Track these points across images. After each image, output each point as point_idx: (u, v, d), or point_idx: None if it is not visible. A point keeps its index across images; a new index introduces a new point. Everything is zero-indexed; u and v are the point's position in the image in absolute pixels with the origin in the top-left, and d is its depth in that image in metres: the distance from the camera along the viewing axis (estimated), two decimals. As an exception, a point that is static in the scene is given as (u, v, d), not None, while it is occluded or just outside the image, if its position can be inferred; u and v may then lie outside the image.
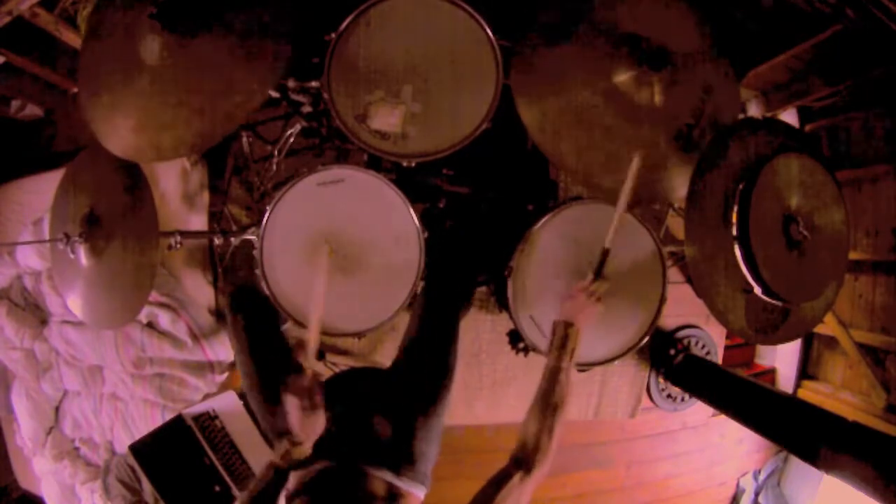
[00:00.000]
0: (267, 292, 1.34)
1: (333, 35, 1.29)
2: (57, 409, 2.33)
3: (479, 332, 2.20)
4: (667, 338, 2.38)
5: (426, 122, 1.33)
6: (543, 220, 1.37)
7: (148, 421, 2.15)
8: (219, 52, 1.19)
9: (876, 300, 2.28)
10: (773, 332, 1.36)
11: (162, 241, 1.41)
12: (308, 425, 0.94)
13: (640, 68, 1.26)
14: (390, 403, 1.18)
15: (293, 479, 0.99)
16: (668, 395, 2.45)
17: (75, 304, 1.49)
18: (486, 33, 1.31)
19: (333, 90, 1.31)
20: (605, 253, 1.13)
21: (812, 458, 1.60)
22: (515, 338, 1.55)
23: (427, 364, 1.32)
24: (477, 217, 1.80)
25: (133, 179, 1.37)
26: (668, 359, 2.36)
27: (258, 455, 2.03)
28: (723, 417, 2.25)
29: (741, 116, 2.12)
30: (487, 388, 2.28)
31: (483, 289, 1.93)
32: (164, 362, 2.12)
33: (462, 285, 1.65)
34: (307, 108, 1.60)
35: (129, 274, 1.36)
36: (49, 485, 2.31)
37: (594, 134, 1.31)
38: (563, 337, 1.07)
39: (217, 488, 1.97)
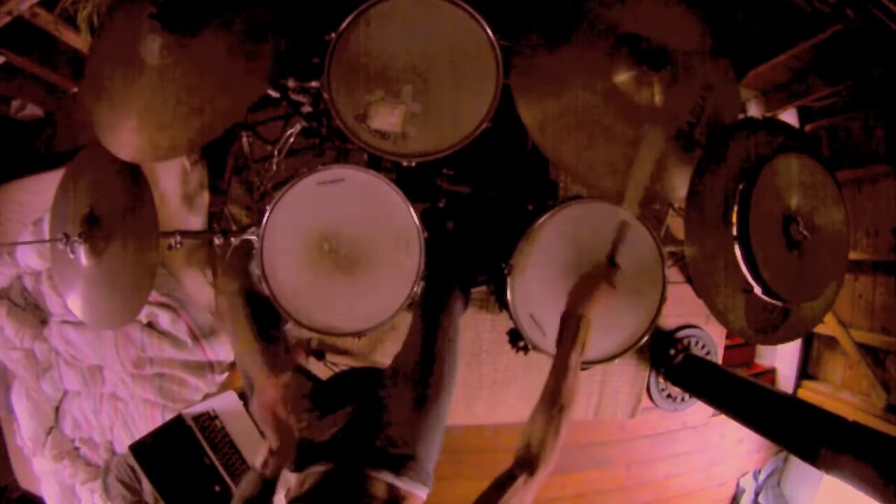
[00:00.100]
0: (267, 292, 1.34)
1: (333, 35, 1.29)
2: (57, 409, 2.33)
3: (479, 331, 2.20)
4: (667, 338, 2.38)
5: (426, 122, 1.32)
6: (543, 218, 1.37)
7: (148, 421, 2.15)
8: (218, 51, 1.19)
9: (876, 300, 2.28)
10: (773, 332, 1.36)
11: (162, 241, 1.41)
12: (281, 434, 0.95)
13: (640, 68, 1.26)
14: (390, 403, 1.18)
15: (294, 481, 0.99)
16: (668, 395, 2.45)
17: (75, 304, 1.49)
18: (486, 33, 1.31)
19: (333, 90, 1.31)
20: (621, 235, 1.13)
21: (812, 458, 1.60)
22: (515, 336, 1.55)
23: (428, 364, 1.32)
24: (477, 217, 1.80)
25: (133, 179, 1.37)
26: (668, 359, 2.36)
27: (258, 455, 2.03)
28: (723, 417, 2.25)
29: (741, 116, 2.12)
30: (487, 388, 2.28)
31: (483, 288, 1.93)
32: (164, 362, 2.12)
33: (462, 285, 1.65)
34: (307, 108, 1.61)
35: (129, 274, 1.36)
36: (49, 485, 2.31)
37: (594, 134, 1.31)
38: (576, 329, 1.04)
39: (217, 488, 1.97)
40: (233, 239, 1.68)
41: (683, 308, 2.32)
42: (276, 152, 1.78)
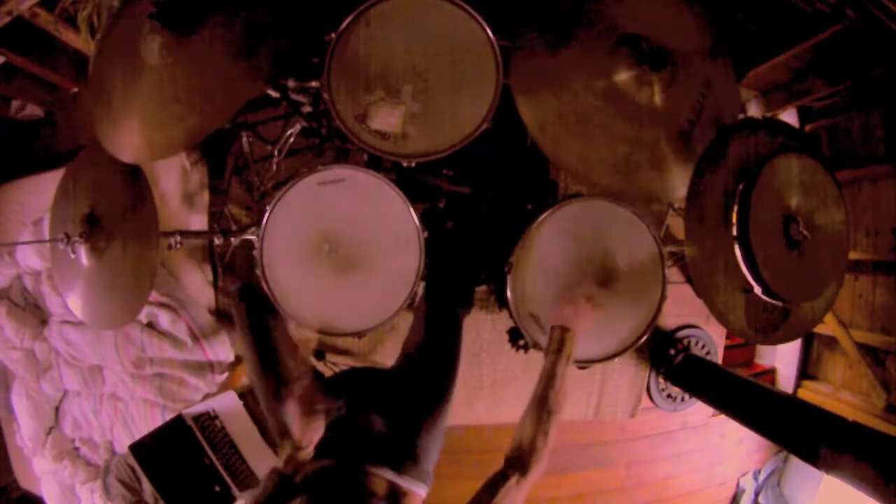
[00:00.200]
0: (267, 292, 1.34)
1: (333, 35, 1.29)
2: (57, 409, 2.33)
3: (479, 331, 2.20)
4: (667, 338, 2.38)
5: (426, 122, 1.33)
6: (543, 216, 1.37)
7: (148, 421, 2.15)
8: (217, 50, 1.19)
9: (876, 300, 2.28)
10: (773, 332, 1.36)
11: (162, 241, 1.41)
12: (309, 430, 0.96)
13: (640, 68, 1.27)
14: (391, 403, 1.18)
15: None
16: (668, 395, 2.45)
17: (75, 304, 1.49)
18: (486, 33, 1.31)
19: (333, 90, 1.31)
20: (610, 266, 1.14)
21: (812, 458, 1.60)
22: (515, 335, 1.55)
23: (428, 364, 1.32)
24: (477, 217, 1.80)
25: (133, 179, 1.37)
26: (668, 359, 2.36)
27: (258, 455, 2.03)
28: (723, 417, 2.25)
29: (741, 116, 2.12)
30: (487, 388, 2.28)
31: (483, 287, 1.93)
32: (164, 362, 2.12)
33: (462, 285, 1.65)
34: (307, 108, 1.61)
35: (129, 274, 1.36)
36: (49, 485, 2.31)
37: (594, 134, 1.31)
38: (560, 341, 1.09)
39: (217, 488, 1.97)
40: (233, 239, 1.68)
41: (683, 308, 2.32)
42: (276, 152, 1.78)
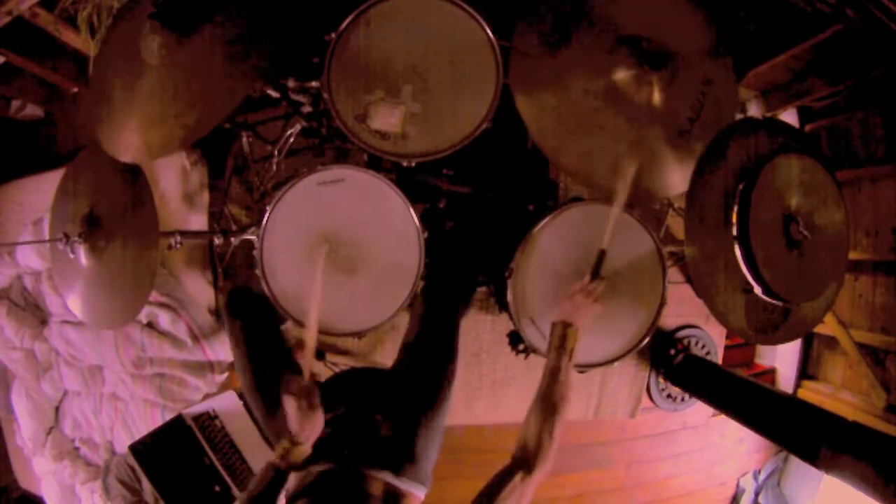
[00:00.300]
0: (267, 292, 1.34)
1: (333, 35, 1.29)
2: (57, 409, 2.33)
3: (479, 332, 2.20)
4: (667, 338, 2.38)
5: (426, 122, 1.32)
6: (543, 221, 1.37)
7: (148, 421, 2.15)
8: (216, 49, 1.19)
9: (876, 300, 2.28)
10: (773, 332, 1.36)
11: (162, 241, 1.41)
12: (307, 426, 0.95)
13: (640, 68, 1.27)
14: (391, 404, 1.18)
15: (293, 480, 0.99)
16: (668, 395, 2.45)
17: (75, 304, 1.49)
18: (486, 33, 1.31)
19: (333, 90, 1.31)
20: (602, 254, 1.13)
21: (812, 458, 1.60)
22: (515, 339, 1.55)
23: (427, 364, 1.32)
24: (477, 217, 1.80)
25: (133, 179, 1.37)
26: (668, 359, 2.36)
27: (258, 455, 2.03)
28: (723, 417, 2.25)
29: (741, 116, 2.12)
30: (487, 388, 2.28)
31: (483, 289, 1.93)
32: (164, 362, 2.12)
33: (462, 285, 1.65)
34: (307, 108, 1.61)
35: (129, 274, 1.36)
36: (49, 485, 2.31)
37: (594, 134, 1.31)
38: (562, 337, 1.07)
39: (217, 488, 1.97)
40: (233, 239, 1.68)
41: (683, 308, 2.32)
42: (276, 152, 1.78)
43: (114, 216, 1.37)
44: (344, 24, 1.29)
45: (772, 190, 1.25)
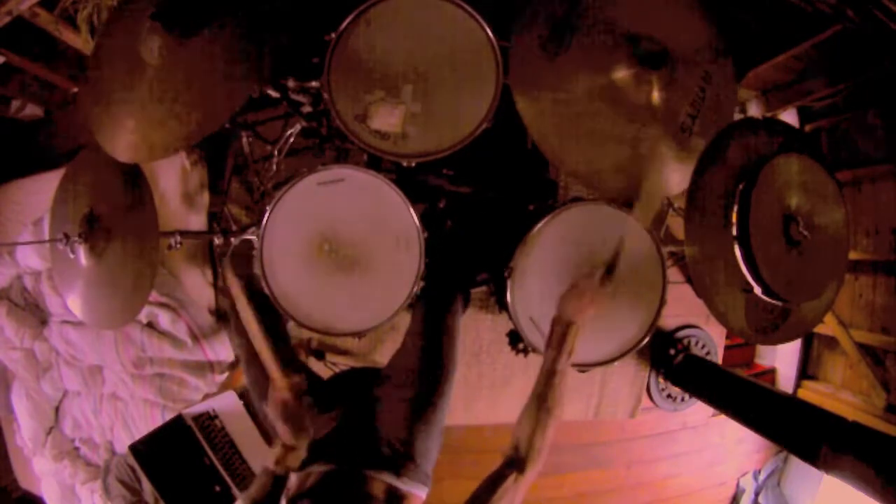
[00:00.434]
0: (267, 292, 1.34)
1: (333, 35, 1.29)
2: (57, 409, 2.33)
3: (479, 331, 2.20)
4: (667, 338, 2.38)
5: (426, 122, 1.32)
6: (543, 221, 1.37)
7: (148, 421, 2.15)
8: (216, 50, 1.19)
9: (876, 300, 2.28)
10: (773, 332, 1.36)
11: (162, 241, 1.41)
12: (294, 433, 0.95)
13: (640, 67, 1.26)
14: (390, 404, 1.18)
15: (294, 481, 0.99)
16: (668, 395, 2.45)
17: (75, 304, 1.49)
18: (486, 33, 1.31)
19: (333, 90, 1.31)
20: (618, 254, 1.13)
21: (812, 458, 1.60)
22: (515, 338, 1.55)
23: (427, 364, 1.32)
24: (477, 217, 1.80)
25: (133, 179, 1.37)
26: (668, 359, 2.36)
27: (258, 455, 2.03)
28: (723, 417, 2.25)
29: (741, 116, 2.12)
30: (487, 388, 2.28)
31: (483, 289, 1.93)
32: (164, 362, 2.12)
33: (462, 285, 1.65)
34: (307, 108, 1.61)
35: (129, 274, 1.36)
36: (49, 485, 2.31)
37: (594, 133, 1.31)
38: (562, 335, 1.04)
39: (217, 488, 1.97)
40: (233, 239, 1.68)
41: (683, 308, 2.32)
42: (276, 152, 1.78)
43: (114, 216, 1.37)
44: (344, 24, 1.29)
45: (772, 190, 1.25)
